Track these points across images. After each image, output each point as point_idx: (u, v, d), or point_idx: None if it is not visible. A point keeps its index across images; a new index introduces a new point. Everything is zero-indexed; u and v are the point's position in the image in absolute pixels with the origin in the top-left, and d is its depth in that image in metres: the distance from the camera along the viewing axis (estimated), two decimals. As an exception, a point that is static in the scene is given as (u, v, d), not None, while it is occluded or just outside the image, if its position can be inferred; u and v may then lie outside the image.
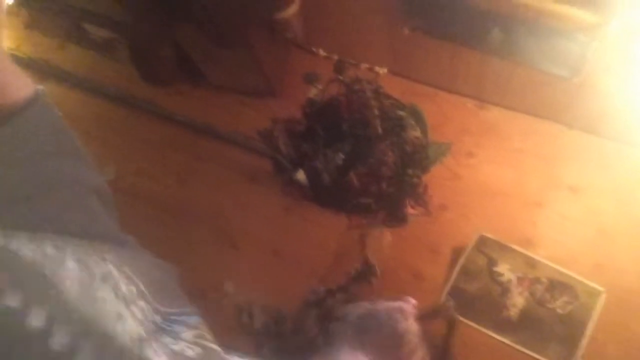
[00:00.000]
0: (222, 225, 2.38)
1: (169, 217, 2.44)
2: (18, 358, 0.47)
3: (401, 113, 2.31)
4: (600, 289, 1.98)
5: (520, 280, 2.05)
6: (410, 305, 1.08)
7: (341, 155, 2.23)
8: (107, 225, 0.82)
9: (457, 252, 2.15)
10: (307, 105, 2.33)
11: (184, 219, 2.43)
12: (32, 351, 0.48)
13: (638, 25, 1.87)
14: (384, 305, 1.08)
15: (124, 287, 0.66)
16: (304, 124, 2.34)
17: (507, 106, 2.43)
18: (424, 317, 1.11)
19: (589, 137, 2.30)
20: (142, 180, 2.56)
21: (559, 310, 1.98)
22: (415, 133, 2.29)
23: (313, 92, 2.31)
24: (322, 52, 2.72)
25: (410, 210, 2.25)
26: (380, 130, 2.21)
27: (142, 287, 0.69)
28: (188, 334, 0.73)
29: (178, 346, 0.67)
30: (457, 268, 2.10)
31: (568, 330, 1.93)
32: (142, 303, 0.67)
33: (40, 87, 0.79)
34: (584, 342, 1.90)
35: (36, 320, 0.49)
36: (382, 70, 2.63)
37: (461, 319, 1.99)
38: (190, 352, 0.67)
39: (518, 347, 1.94)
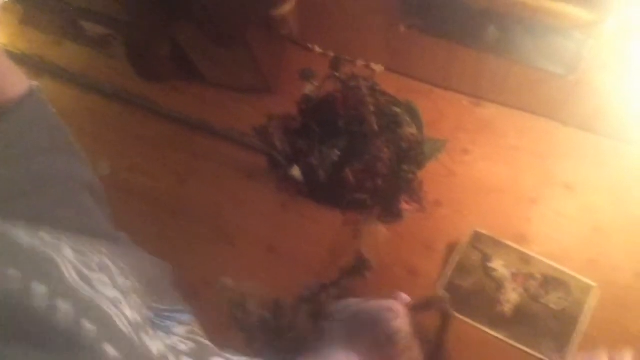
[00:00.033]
0: (219, 221, 2.38)
1: (164, 214, 2.44)
2: (25, 322, 0.47)
3: (397, 110, 2.31)
4: (593, 284, 1.99)
5: (514, 276, 2.05)
6: (402, 303, 1.08)
7: (337, 152, 2.24)
8: (100, 221, 0.82)
9: (451, 248, 2.16)
10: (303, 102, 2.33)
11: (179, 216, 2.43)
12: (38, 315, 0.48)
13: (634, 23, 1.87)
14: (374, 304, 1.08)
15: (119, 280, 0.66)
16: (299, 121, 2.34)
17: (503, 103, 2.44)
18: (417, 309, 1.11)
19: (584, 135, 2.30)
20: (137, 177, 2.56)
21: (553, 306, 1.98)
22: (411, 130, 2.29)
23: (309, 88, 2.31)
24: (318, 49, 2.71)
25: (405, 207, 2.25)
26: (375, 127, 2.21)
27: (135, 282, 0.70)
28: (180, 330, 0.73)
29: (170, 340, 0.67)
30: (452, 264, 2.11)
31: (561, 326, 1.94)
32: (135, 297, 0.67)
33: (35, 83, 0.79)
34: (577, 337, 1.91)
35: (39, 291, 0.49)
36: (378, 67, 2.63)
37: (456, 314, 1.99)
38: (182, 347, 0.67)
39: (512, 342, 1.95)
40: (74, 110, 2.74)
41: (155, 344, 0.61)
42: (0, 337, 0.46)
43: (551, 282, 2.01)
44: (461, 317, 1.99)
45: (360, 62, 2.66)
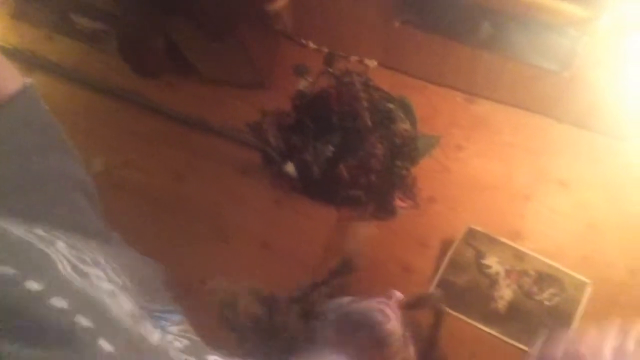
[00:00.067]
0: (213, 218, 2.37)
1: (159, 210, 2.42)
2: (20, 320, 0.47)
3: (390, 106, 2.31)
4: (587, 281, 1.99)
5: (508, 272, 2.06)
6: (395, 301, 1.07)
7: (330, 148, 2.23)
8: (92, 220, 0.81)
9: (445, 245, 2.15)
10: (297, 98, 2.32)
11: (173, 212, 2.42)
12: (32, 311, 0.48)
13: (628, 20, 1.87)
14: (366, 304, 1.07)
15: (112, 276, 0.66)
16: (293, 116, 2.33)
17: (497, 100, 2.43)
18: (409, 307, 1.11)
19: (578, 131, 2.30)
20: (131, 173, 2.54)
21: (547, 303, 1.99)
22: (405, 126, 2.28)
23: (303, 84, 2.30)
24: (312, 45, 2.70)
25: (399, 203, 2.25)
26: (369, 123, 2.21)
27: (127, 281, 0.69)
28: (174, 329, 0.73)
29: (166, 338, 0.67)
30: (446, 261, 2.11)
31: (555, 322, 1.94)
32: (127, 295, 0.67)
33: (29, 80, 0.78)
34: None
35: (33, 289, 0.49)
36: (372, 63, 2.62)
37: (449, 311, 1.99)
38: (178, 344, 0.67)
39: (506, 338, 1.95)
40: (67, 105, 2.72)
41: (154, 335, 0.61)
42: None
43: (545, 278, 2.02)
44: (455, 313, 1.99)
45: (354, 58, 2.65)
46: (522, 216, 2.19)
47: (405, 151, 2.24)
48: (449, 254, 2.11)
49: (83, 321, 0.50)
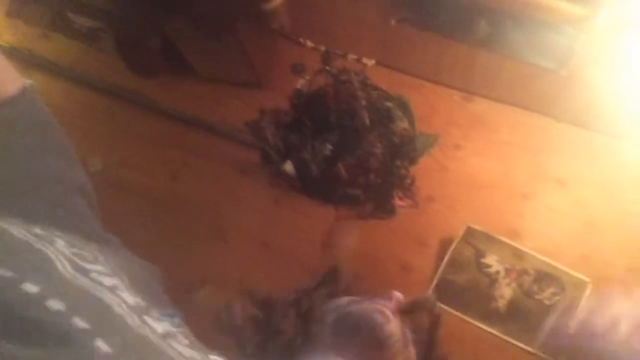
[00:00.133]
0: (212, 218, 2.37)
1: (157, 210, 2.42)
2: (17, 322, 0.47)
3: (388, 104, 2.31)
4: (587, 280, 2.00)
5: (507, 271, 2.06)
6: (395, 302, 1.07)
7: (329, 146, 2.23)
8: (90, 224, 0.81)
9: (444, 244, 2.16)
10: (295, 96, 2.32)
11: (172, 212, 2.42)
12: (29, 314, 0.48)
13: (625, 18, 1.87)
14: (365, 306, 1.06)
15: (117, 270, 0.66)
16: (291, 115, 2.33)
17: (495, 98, 2.43)
18: (404, 313, 1.10)
19: (576, 130, 2.31)
20: (129, 172, 2.54)
21: (547, 302, 1.99)
22: (403, 124, 2.28)
23: (300, 83, 2.31)
24: (309, 43, 2.70)
25: (398, 202, 2.25)
26: (367, 121, 2.21)
27: (127, 281, 0.69)
28: (175, 330, 0.73)
29: (172, 329, 0.67)
30: (445, 260, 2.11)
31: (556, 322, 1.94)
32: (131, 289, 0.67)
33: (29, 81, 0.78)
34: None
35: (30, 292, 0.49)
36: (370, 62, 2.62)
37: (449, 310, 2.00)
38: (184, 339, 0.67)
39: (506, 337, 1.95)
40: (63, 104, 2.71)
41: (161, 325, 0.61)
42: None
43: (544, 277, 2.02)
44: (455, 312, 1.99)
45: (351, 56, 2.65)
46: (520, 215, 2.19)
47: (404, 150, 2.25)
48: (448, 253, 2.11)
49: (80, 322, 0.49)
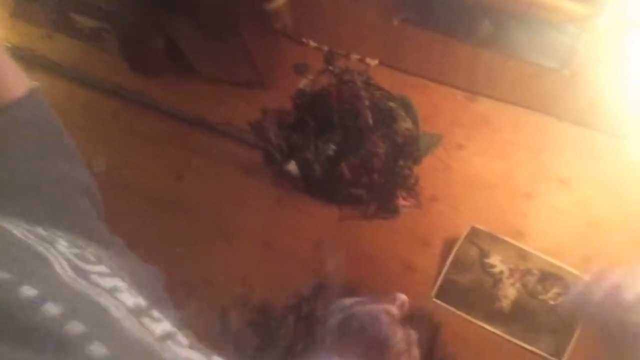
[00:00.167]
0: (215, 218, 2.37)
1: (160, 210, 2.42)
2: (13, 324, 0.47)
3: (392, 104, 2.31)
4: (590, 280, 1.99)
5: (511, 271, 2.06)
6: (397, 305, 1.06)
7: (332, 146, 2.23)
8: (94, 225, 0.81)
9: (448, 244, 2.16)
10: (298, 96, 2.32)
11: (175, 212, 2.42)
12: (25, 317, 0.48)
13: (628, 17, 1.87)
14: (369, 308, 1.06)
15: (118, 271, 0.66)
16: (294, 115, 2.33)
17: (498, 98, 2.44)
18: (404, 322, 1.10)
19: (579, 130, 2.31)
20: (132, 173, 2.54)
21: (551, 302, 1.99)
22: (406, 124, 2.29)
23: (303, 82, 2.31)
24: (312, 43, 2.70)
25: (401, 202, 2.25)
26: (370, 121, 2.21)
27: (128, 284, 0.69)
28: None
29: (172, 329, 0.67)
30: (449, 260, 2.11)
31: (559, 322, 1.94)
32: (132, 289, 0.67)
33: (36, 83, 0.79)
34: (576, 334, 1.92)
35: (27, 295, 0.49)
36: (373, 62, 2.62)
37: (453, 310, 2.00)
38: (184, 340, 0.67)
39: (510, 337, 1.95)
40: (66, 105, 2.71)
41: (160, 326, 0.60)
42: None
43: (548, 277, 2.02)
44: (458, 312, 1.99)
45: (354, 56, 2.65)
46: (523, 215, 2.19)
47: (407, 150, 2.25)
48: (453, 252, 2.11)
49: (77, 326, 0.49)
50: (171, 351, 0.59)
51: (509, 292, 2.02)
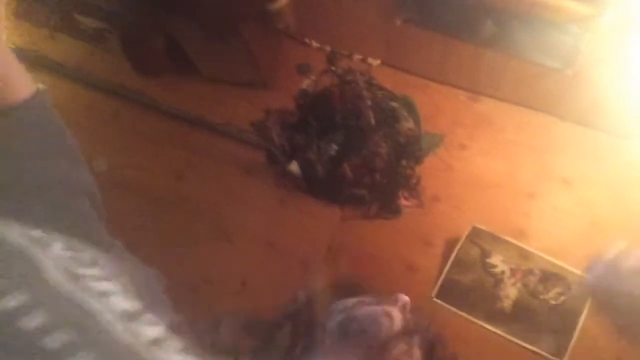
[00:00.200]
0: (217, 218, 2.37)
1: (162, 210, 2.42)
2: None
3: (394, 104, 2.31)
4: (592, 280, 1.99)
5: (513, 271, 2.05)
6: (399, 306, 1.06)
7: (334, 146, 2.23)
8: (94, 226, 0.81)
9: (450, 244, 2.15)
10: (300, 97, 2.32)
11: (177, 212, 2.42)
12: (6, 329, 0.47)
13: (631, 17, 1.87)
14: (371, 308, 1.06)
15: (115, 273, 0.66)
16: (296, 115, 2.33)
17: (500, 98, 2.43)
18: (403, 336, 1.09)
19: (582, 130, 2.30)
20: (134, 173, 2.54)
21: (552, 302, 1.99)
22: (408, 124, 2.28)
23: (306, 83, 2.30)
24: (314, 43, 2.70)
25: (403, 202, 2.25)
26: (373, 121, 2.20)
27: (124, 287, 0.69)
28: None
29: (166, 333, 0.67)
30: (451, 260, 2.11)
31: (561, 322, 1.94)
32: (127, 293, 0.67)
33: (42, 86, 0.79)
34: (577, 333, 1.91)
35: (12, 305, 0.49)
36: (375, 62, 2.62)
37: (454, 310, 2.00)
38: (177, 344, 0.67)
39: (511, 337, 1.95)
40: (69, 105, 2.72)
41: (154, 330, 0.60)
42: None
43: (550, 277, 2.02)
44: (460, 312, 1.99)
45: (356, 57, 2.65)
46: (525, 214, 2.19)
47: (409, 150, 2.24)
48: (454, 252, 2.11)
49: (62, 336, 0.49)
50: (161, 357, 0.59)
51: (510, 292, 2.02)
